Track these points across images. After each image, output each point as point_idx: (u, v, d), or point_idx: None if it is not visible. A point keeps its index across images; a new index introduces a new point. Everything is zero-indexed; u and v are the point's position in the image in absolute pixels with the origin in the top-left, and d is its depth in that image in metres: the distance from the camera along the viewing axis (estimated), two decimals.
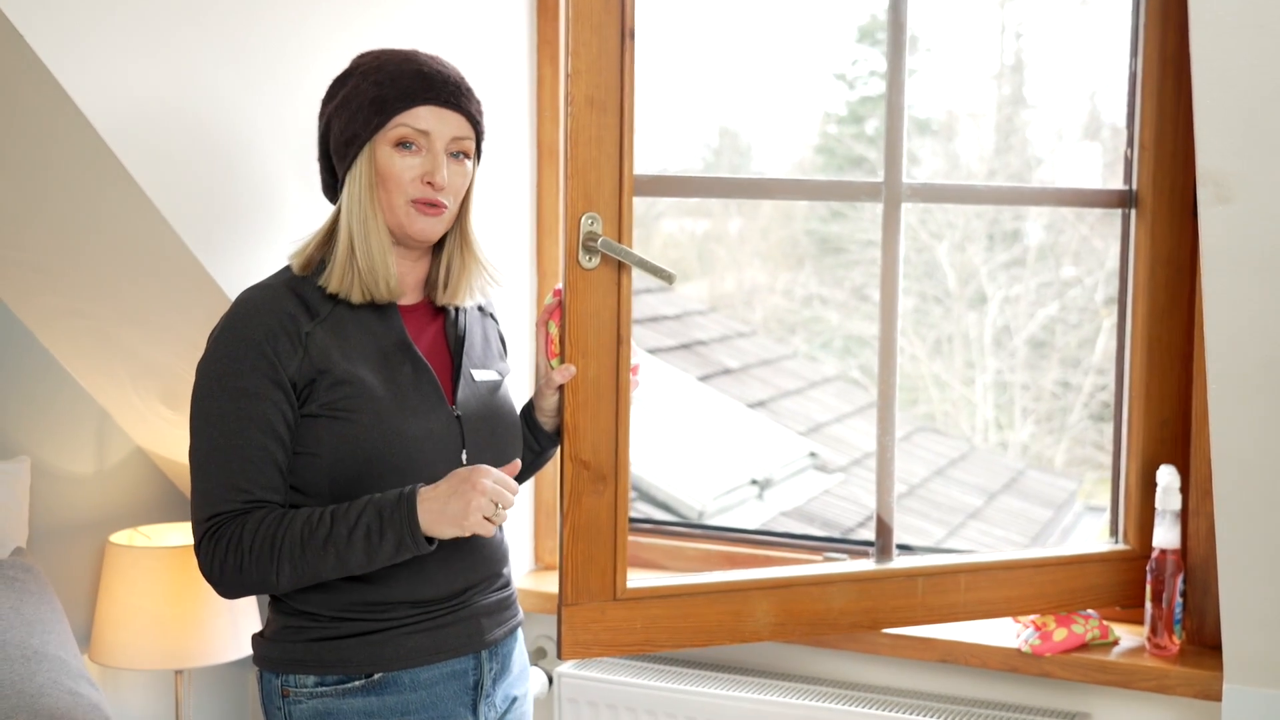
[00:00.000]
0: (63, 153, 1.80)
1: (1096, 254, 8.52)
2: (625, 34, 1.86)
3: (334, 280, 1.61)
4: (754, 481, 5.04)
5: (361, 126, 1.61)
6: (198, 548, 1.58)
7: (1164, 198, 2.13)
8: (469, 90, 1.66)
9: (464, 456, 1.66)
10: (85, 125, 1.71)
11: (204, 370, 1.60)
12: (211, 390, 1.58)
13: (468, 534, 1.54)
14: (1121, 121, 2.19)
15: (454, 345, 1.72)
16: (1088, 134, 8.96)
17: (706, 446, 5.15)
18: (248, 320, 1.59)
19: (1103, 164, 8.77)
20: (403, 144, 1.61)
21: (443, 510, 1.53)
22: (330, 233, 1.65)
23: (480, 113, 1.67)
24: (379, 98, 1.60)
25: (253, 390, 1.56)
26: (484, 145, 1.70)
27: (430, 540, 1.55)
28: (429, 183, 1.61)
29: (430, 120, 1.61)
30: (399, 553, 1.54)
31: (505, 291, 2.36)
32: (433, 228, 1.64)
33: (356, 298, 1.62)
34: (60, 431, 2.27)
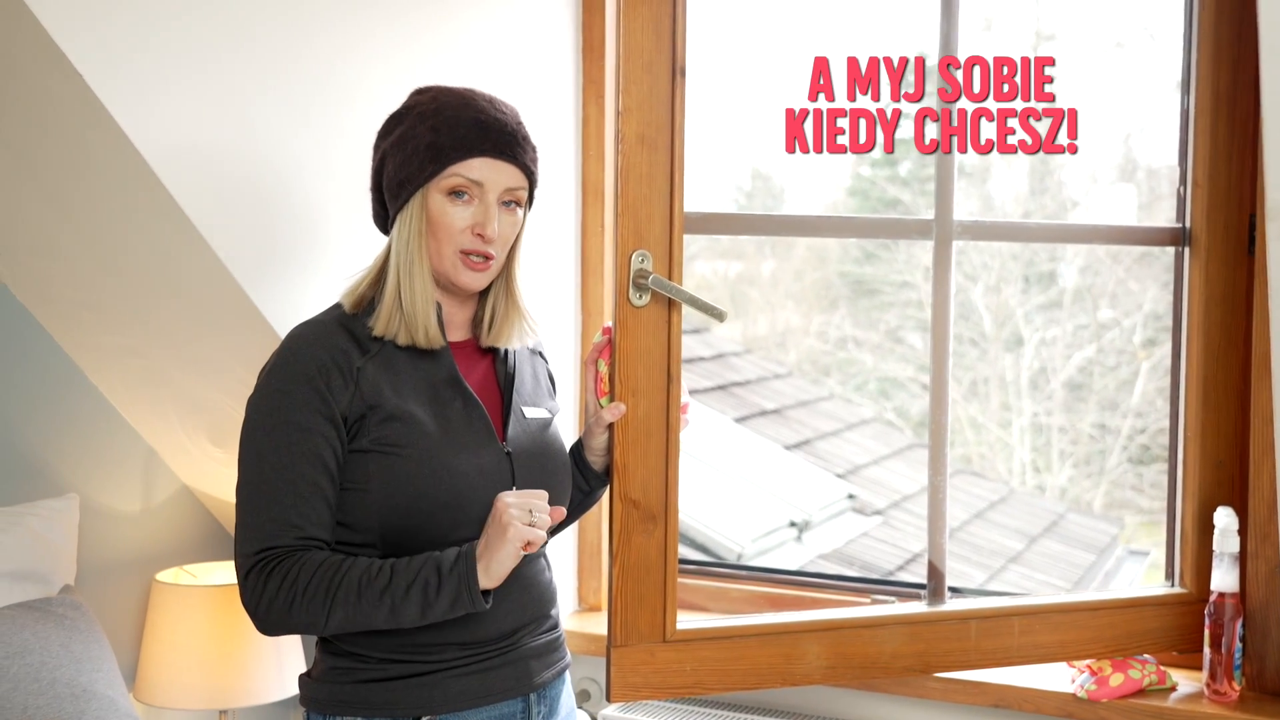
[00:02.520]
0: (113, 186, 1.81)
1: (1134, 296, 8.46)
2: (676, 72, 1.86)
3: (380, 323, 1.62)
4: (792, 523, 5.00)
5: (415, 171, 1.61)
6: (244, 580, 1.56)
7: (1218, 235, 2.11)
8: (525, 139, 1.65)
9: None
10: (137, 158, 1.73)
11: (255, 405, 1.60)
12: (263, 424, 1.58)
13: (520, 550, 1.51)
14: (1156, 164, 2.18)
15: (504, 383, 1.71)
16: (1123, 176, 8.92)
17: (744, 488, 5.12)
18: (300, 355, 1.59)
19: (1138, 205, 8.73)
20: (455, 192, 1.61)
21: (491, 554, 1.51)
22: (381, 271, 1.65)
23: (535, 161, 1.66)
24: (434, 144, 1.60)
25: (304, 424, 1.56)
26: (536, 191, 1.69)
27: (486, 597, 1.53)
28: (479, 234, 1.61)
29: (484, 171, 1.61)
30: (454, 609, 1.52)
31: (552, 330, 2.36)
32: (478, 281, 1.64)
33: (402, 340, 1.62)
34: (108, 469, 2.28)
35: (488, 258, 1.63)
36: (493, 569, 1.52)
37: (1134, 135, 8.72)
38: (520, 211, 1.66)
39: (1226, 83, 2.08)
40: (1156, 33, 7.67)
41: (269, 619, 1.55)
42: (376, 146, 1.68)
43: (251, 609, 1.56)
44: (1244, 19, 2.04)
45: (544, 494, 1.57)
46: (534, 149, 1.67)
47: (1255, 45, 1.71)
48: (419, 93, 1.67)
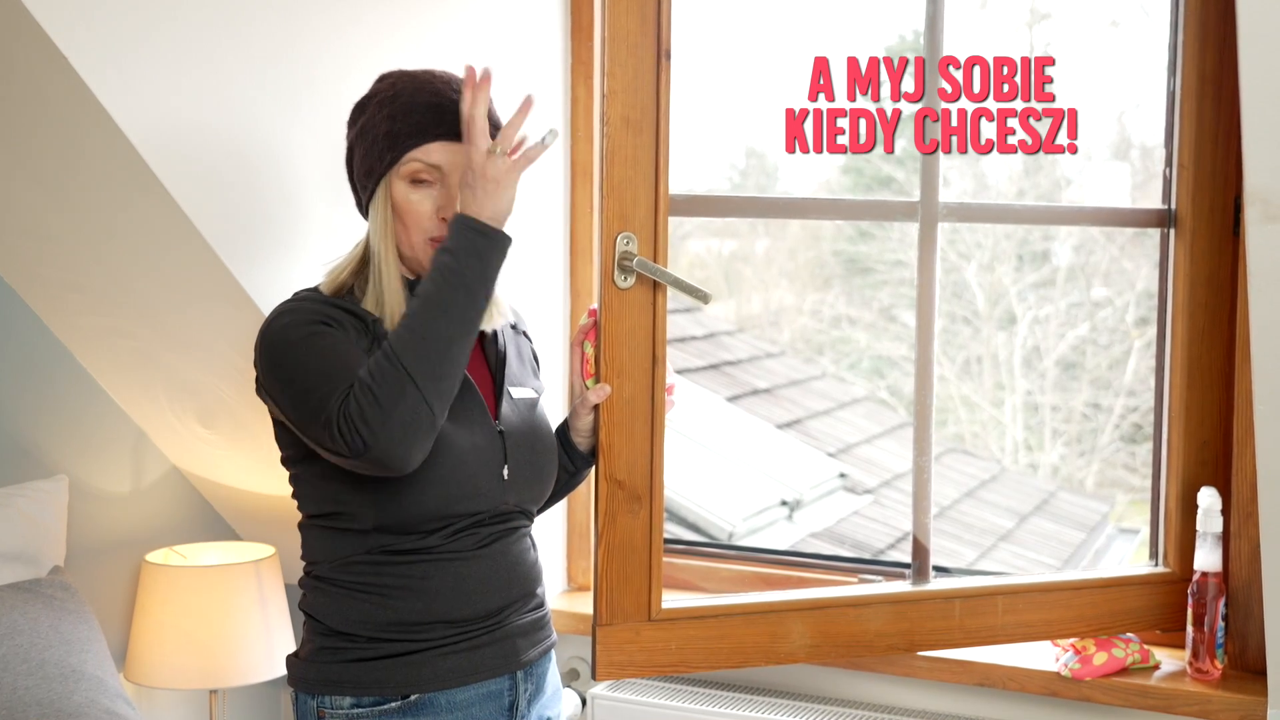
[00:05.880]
0: (99, 169, 1.81)
1: (1127, 275, 8.46)
2: (661, 54, 1.86)
3: (370, 305, 1.62)
4: (784, 502, 5.02)
5: (376, 161, 1.62)
6: (338, 434, 1.48)
7: (1203, 217, 2.11)
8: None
9: (505, 472, 1.66)
10: (124, 142, 1.73)
11: (269, 343, 1.57)
12: (287, 340, 1.56)
13: (514, 178, 1.56)
14: (1150, 142, 2.19)
15: (494, 363, 1.72)
16: (1116, 154, 8.91)
17: (736, 467, 5.14)
18: (306, 306, 1.59)
19: (1131, 184, 8.72)
20: (416, 179, 1.61)
21: (486, 199, 1.54)
22: (363, 259, 1.66)
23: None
24: (391, 132, 1.60)
25: (327, 331, 1.56)
26: None
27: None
28: (443, 219, 1.61)
29: (443, 155, 1.61)
30: (485, 261, 1.53)
31: (540, 312, 2.36)
32: None
33: (388, 323, 1.62)
34: (97, 451, 2.28)
35: None
36: (492, 215, 1.54)
37: (1128, 113, 8.71)
38: None
39: (1212, 65, 2.08)
40: (1151, 10, 7.65)
41: (376, 439, 1.47)
42: (347, 136, 1.68)
43: (360, 448, 1.48)
44: (1229, 1, 2.04)
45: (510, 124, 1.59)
46: (496, 127, 1.64)
47: None
48: (380, 79, 1.67)
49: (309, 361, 1.54)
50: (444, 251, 1.54)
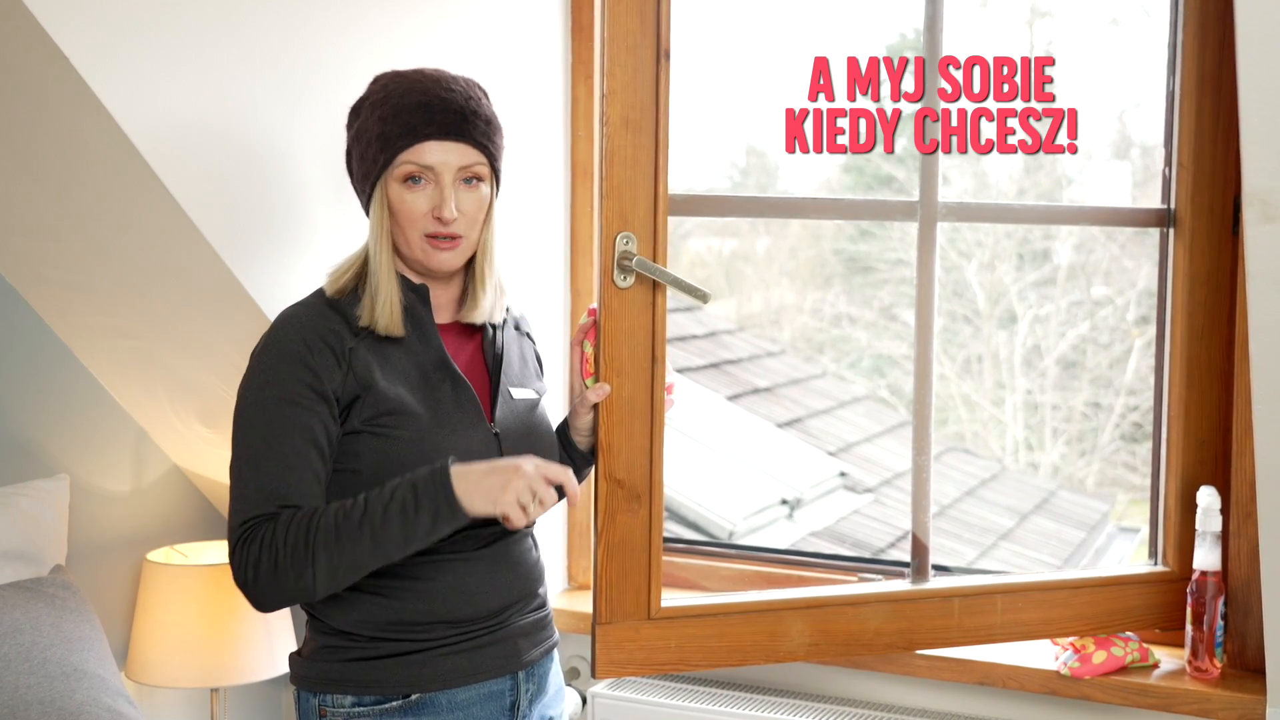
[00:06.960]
0: (101, 169, 1.82)
1: (1127, 273, 8.46)
2: (660, 54, 1.86)
3: (365, 315, 1.63)
4: (784, 501, 5.02)
5: (370, 165, 1.62)
6: (232, 555, 1.55)
7: (1203, 216, 2.11)
8: (474, 113, 1.63)
9: None
10: (124, 141, 1.73)
11: (246, 384, 1.60)
12: (254, 400, 1.58)
13: (499, 512, 1.51)
14: (1150, 141, 2.19)
15: (492, 364, 1.72)
16: (1117, 153, 8.91)
17: (736, 466, 5.14)
18: (290, 335, 1.60)
19: (1132, 183, 8.72)
20: (411, 178, 1.61)
21: (479, 484, 1.51)
22: (364, 262, 1.66)
23: (489, 136, 1.64)
24: (383, 135, 1.60)
25: (295, 399, 1.56)
26: (501, 165, 1.67)
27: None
28: (438, 217, 1.61)
29: (435, 154, 1.60)
30: (435, 526, 1.51)
31: (540, 311, 2.37)
32: (451, 260, 1.64)
33: (381, 331, 1.63)
34: (99, 450, 2.29)
35: (454, 237, 1.63)
36: (466, 499, 1.51)
37: (1128, 112, 8.71)
38: (484, 187, 1.65)
39: (1212, 64, 2.08)
40: (1151, 9, 7.65)
41: (257, 589, 1.54)
42: (346, 139, 1.69)
43: (241, 582, 1.55)
44: (1228, 1, 2.04)
45: (567, 477, 1.56)
46: (487, 122, 1.64)
47: None
48: (374, 81, 1.67)
49: (254, 444, 1.57)
50: (410, 488, 1.52)
